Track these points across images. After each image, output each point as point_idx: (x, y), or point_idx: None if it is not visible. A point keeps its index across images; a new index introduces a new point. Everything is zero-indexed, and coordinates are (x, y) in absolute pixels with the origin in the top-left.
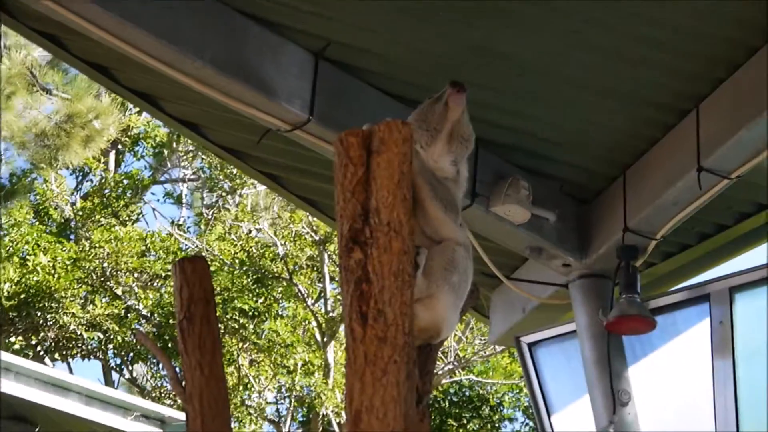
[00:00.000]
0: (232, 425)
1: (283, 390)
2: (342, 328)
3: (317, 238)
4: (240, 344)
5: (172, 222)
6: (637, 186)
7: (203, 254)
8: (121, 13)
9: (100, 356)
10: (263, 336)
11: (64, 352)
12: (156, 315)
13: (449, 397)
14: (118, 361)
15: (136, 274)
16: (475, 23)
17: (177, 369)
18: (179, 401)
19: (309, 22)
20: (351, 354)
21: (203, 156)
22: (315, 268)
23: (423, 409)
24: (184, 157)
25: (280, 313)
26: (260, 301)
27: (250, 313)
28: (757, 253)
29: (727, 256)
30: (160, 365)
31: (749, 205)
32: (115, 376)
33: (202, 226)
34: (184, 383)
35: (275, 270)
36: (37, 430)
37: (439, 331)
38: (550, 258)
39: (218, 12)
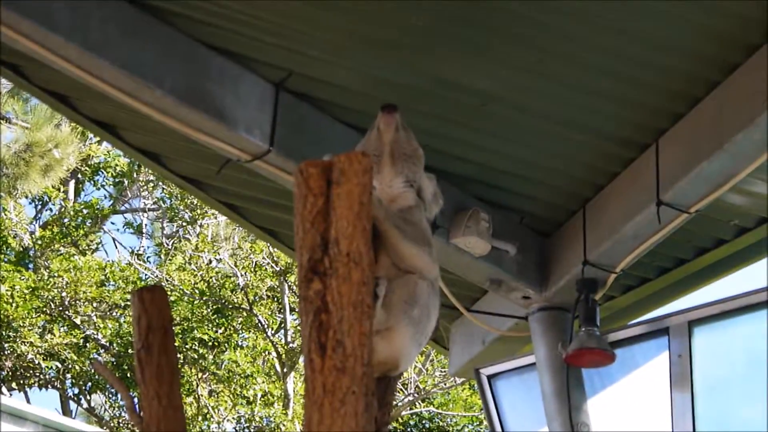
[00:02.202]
0: None
1: (243, 421)
2: (302, 359)
3: (278, 268)
4: (199, 374)
5: (132, 252)
6: (597, 219)
7: (163, 284)
8: (82, 42)
9: (58, 386)
10: (223, 366)
11: (22, 382)
12: (115, 344)
13: (409, 429)
14: (76, 390)
15: (95, 304)
16: (438, 54)
17: (135, 399)
18: (137, 431)
19: (270, 53)
20: (310, 384)
21: (164, 186)
22: (275, 299)
23: None
24: (145, 187)
25: (239, 343)
26: (220, 331)
27: (210, 344)
28: (716, 287)
29: (687, 290)
30: (119, 395)
31: (708, 240)
32: (72, 405)
33: (162, 256)
34: (141, 413)
35: (235, 300)
36: None
37: (398, 364)
38: (509, 290)
39: (179, 42)
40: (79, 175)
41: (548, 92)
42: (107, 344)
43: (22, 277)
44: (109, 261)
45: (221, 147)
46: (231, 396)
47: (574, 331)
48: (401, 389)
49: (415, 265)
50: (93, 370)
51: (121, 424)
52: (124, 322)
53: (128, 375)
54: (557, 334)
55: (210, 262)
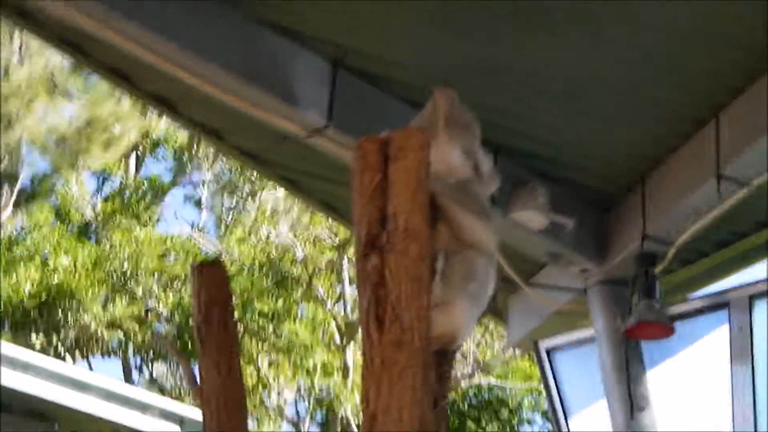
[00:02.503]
0: (251, 425)
1: (303, 391)
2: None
3: (336, 241)
4: (260, 345)
5: (192, 225)
6: (656, 193)
7: (223, 256)
8: (142, 21)
9: (120, 355)
10: (283, 337)
11: (85, 351)
12: (176, 316)
13: (468, 400)
14: (138, 360)
15: (155, 276)
16: (494, 28)
17: (194, 369)
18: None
19: (328, 30)
20: (367, 358)
21: (223, 159)
22: (334, 271)
23: (439, 412)
24: (205, 161)
25: (299, 314)
26: (280, 303)
27: (270, 315)
28: None
29: (746, 264)
30: (179, 365)
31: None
32: (135, 375)
33: (222, 229)
34: (200, 383)
35: (295, 273)
36: (56, 427)
37: (455, 338)
38: (568, 264)
39: (237, 19)
40: (140, 149)
41: (606, 64)
42: (168, 315)
43: (85, 250)
44: (169, 234)
45: (279, 122)
46: (291, 366)
47: (633, 305)
48: (461, 360)
49: (474, 238)
50: (154, 341)
51: (182, 394)
52: (185, 294)
53: (189, 346)
54: (616, 308)
55: (269, 235)
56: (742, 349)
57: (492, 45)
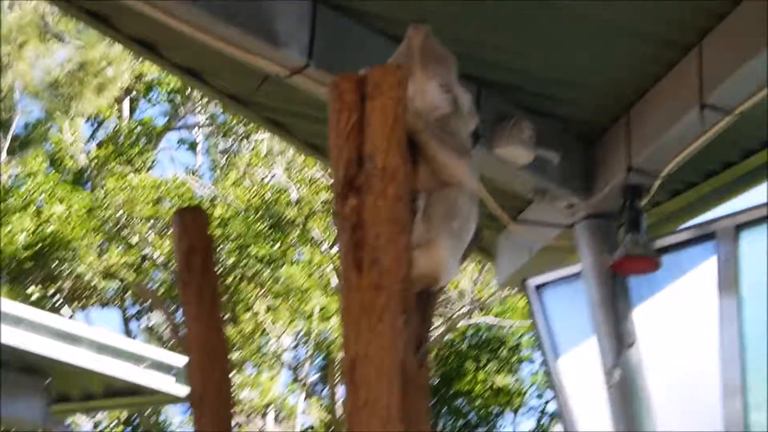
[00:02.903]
0: (251, 371)
1: (301, 335)
2: None
3: (332, 181)
4: (257, 290)
5: (186, 168)
6: (640, 124)
7: (218, 200)
8: None
9: (118, 305)
10: (280, 282)
11: (82, 302)
12: (172, 262)
13: (467, 340)
14: (136, 310)
15: (150, 223)
16: None
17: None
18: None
19: None
20: (346, 302)
21: (217, 102)
22: (330, 212)
23: (422, 355)
24: (199, 103)
25: (296, 258)
26: (276, 246)
27: (266, 259)
28: (763, 190)
29: (734, 193)
30: (179, 313)
31: (755, 142)
32: (134, 325)
33: (218, 172)
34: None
35: (290, 215)
36: (48, 381)
37: (438, 278)
38: (554, 199)
39: None
40: (133, 93)
41: None
42: (164, 262)
43: (79, 197)
44: (164, 179)
45: (260, 62)
46: (288, 311)
47: (619, 239)
48: (457, 300)
49: (454, 175)
50: (137, 292)
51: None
52: None
53: None
54: (603, 243)
55: (264, 177)
56: (728, 280)
57: None
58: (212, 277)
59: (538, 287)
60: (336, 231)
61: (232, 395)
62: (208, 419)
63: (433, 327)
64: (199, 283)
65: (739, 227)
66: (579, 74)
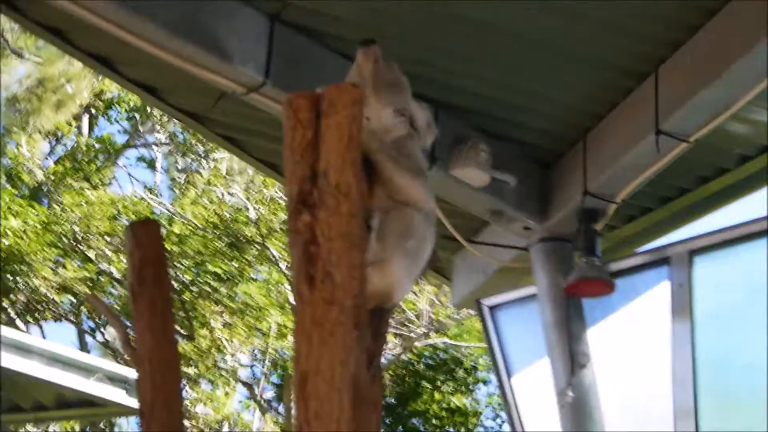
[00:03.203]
0: (206, 387)
1: (257, 353)
2: None
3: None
4: (213, 307)
5: (145, 186)
6: (597, 149)
7: (176, 218)
8: None
9: (73, 319)
10: (237, 299)
11: (36, 315)
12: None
13: (424, 360)
14: (92, 324)
15: (107, 238)
16: None
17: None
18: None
19: None
20: (298, 316)
21: (175, 119)
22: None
23: (374, 370)
24: (159, 122)
25: (253, 276)
26: (234, 264)
27: (224, 277)
28: (717, 217)
29: (689, 219)
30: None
31: (710, 169)
32: (89, 339)
33: (176, 191)
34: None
35: (248, 234)
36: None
37: (391, 296)
38: (510, 221)
39: None
40: (93, 110)
41: (546, 22)
42: (120, 278)
43: (35, 212)
44: (121, 195)
45: (216, 80)
46: (245, 328)
47: (574, 262)
48: (414, 320)
49: (410, 196)
50: (89, 303)
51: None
52: None
53: None
54: (558, 265)
55: (222, 195)
56: (682, 306)
57: (432, 1)
58: (165, 290)
59: (492, 308)
60: (288, 246)
61: (183, 408)
62: (157, 430)
63: (388, 346)
64: (150, 296)
65: (693, 253)
66: (536, 99)
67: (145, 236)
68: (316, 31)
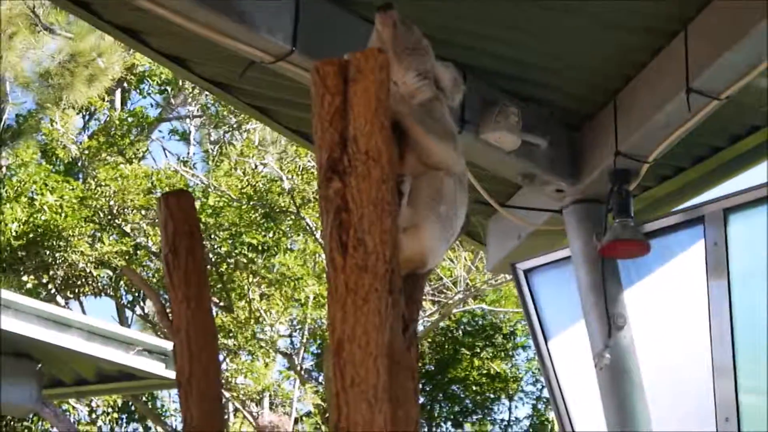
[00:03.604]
0: (245, 359)
1: (295, 322)
2: None
3: None
4: (250, 278)
5: (179, 159)
6: (627, 110)
7: (211, 190)
8: None
9: (112, 293)
10: (274, 270)
11: (75, 290)
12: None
13: (462, 327)
14: (130, 298)
15: (143, 212)
16: None
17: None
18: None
19: None
20: (332, 283)
21: (204, 90)
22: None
23: (410, 337)
24: (191, 94)
25: (289, 246)
26: (269, 235)
27: (260, 248)
28: (751, 175)
29: (722, 178)
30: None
31: (742, 127)
32: (128, 313)
33: (210, 163)
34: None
35: (283, 204)
36: (39, 366)
37: (425, 261)
38: (542, 184)
39: None
40: (125, 84)
41: None
42: (157, 251)
43: (71, 188)
44: (155, 169)
45: (243, 49)
46: (282, 299)
47: (608, 223)
48: (451, 287)
49: (441, 160)
50: (123, 275)
51: None
52: None
53: None
54: (592, 227)
55: (256, 166)
56: (717, 264)
57: None
58: (199, 261)
59: (527, 272)
60: (320, 214)
61: (221, 378)
62: (196, 400)
63: (425, 313)
64: (185, 267)
65: (727, 211)
66: (565, 61)
67: (177, 207)
68: None
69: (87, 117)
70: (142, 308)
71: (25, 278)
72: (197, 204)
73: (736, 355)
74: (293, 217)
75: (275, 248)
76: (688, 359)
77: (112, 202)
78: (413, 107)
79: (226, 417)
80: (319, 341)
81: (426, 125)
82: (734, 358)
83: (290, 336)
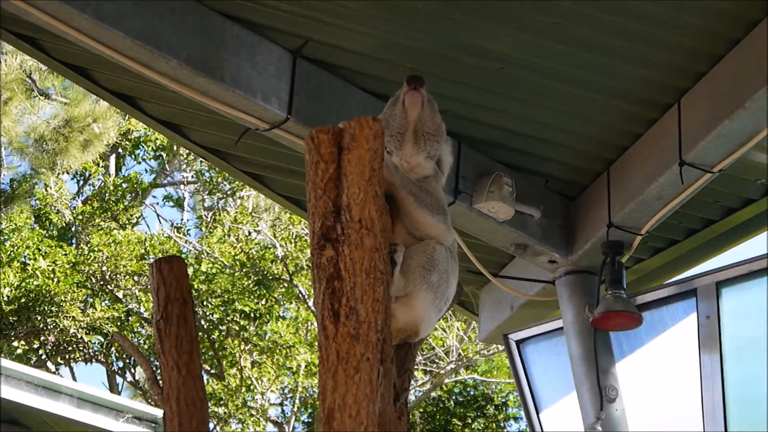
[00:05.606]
0: (235, 427)
1: (287, 391)
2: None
3: None
4: (242, 346)
5: (172, 225)
6: (621, 181)
7: (204, 256)
8: (94, 13)
9: (103, 360)
10: (266, 338)
11: (66, 356)
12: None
13: (454, 397)
14: (121, 364)
15: (135, 278)
16: (456, 19)
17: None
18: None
19: (286, 20)
20: (323, 352)
21: (199, 156)
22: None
23: (401, 406)
24: (185, 160)
25: (281, 314)
26: (262, 302)
27: (252, 315)
28: (743, 248)
29: (715, 251)
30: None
31: (735, 200)
32: (119, 380)
33: (203, 229)
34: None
35: (276, 271)
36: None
37: (417, 331)
38: (535, 255)
39: (194, 11)
40: (120, 150)
41: (568, 55)
42: (149, 317)
43: (64, 253)
44: (148, 235)
45: (239, 116)
46: (274, 367)
47: (601, 295)
48: (443, 357)
49: (430, 233)
50: (114, 341)
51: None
52: None
53: None
54: (584, 298)
55: (249, 233)
56: (710, 337)
57: (454, 36)
58: (190, 327)
59: (519, 342)
60: (312, 282)
61: None
62: None
63: (417, 382)
64: (176, 333)
65: (720, 284)
66: (559, 132)
67: (170, 273)
68: (337, 67)
69: (81, 182)
70: (133, 375)
71: (15, 344)
72: (190, 270)
73: (728, 429)
74: (286, 284)
75: (267, 316)
76: None
77: (104, 268)
78: (406, 179)
79: None
80: (310, 410)
81: (419, 198)
82: None
83: (281, 405)
